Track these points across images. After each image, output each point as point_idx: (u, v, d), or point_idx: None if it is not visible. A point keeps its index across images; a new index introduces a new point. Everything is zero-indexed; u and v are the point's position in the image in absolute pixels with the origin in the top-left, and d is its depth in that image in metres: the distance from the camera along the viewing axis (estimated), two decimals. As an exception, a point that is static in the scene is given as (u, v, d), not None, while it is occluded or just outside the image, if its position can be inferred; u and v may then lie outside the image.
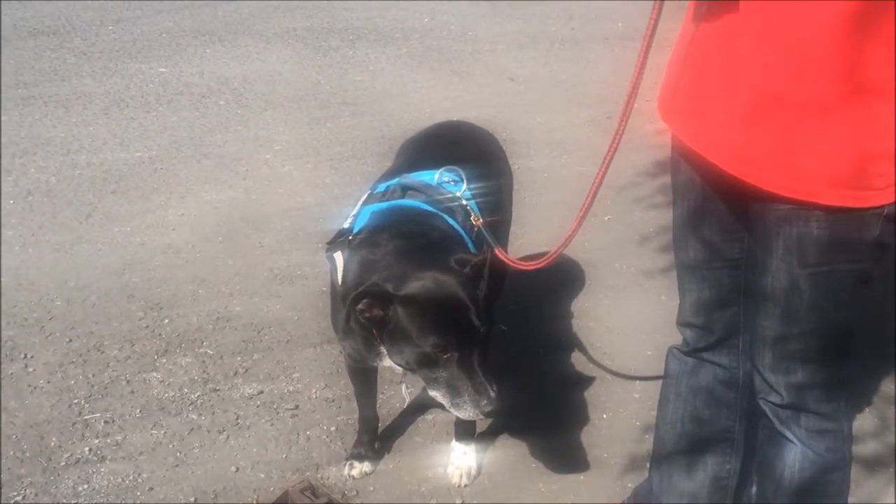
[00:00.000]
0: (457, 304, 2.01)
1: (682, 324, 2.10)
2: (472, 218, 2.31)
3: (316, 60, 6.60)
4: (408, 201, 2.32)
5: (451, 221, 2.29)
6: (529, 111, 5.56)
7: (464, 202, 2.32)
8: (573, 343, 3.24)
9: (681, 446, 2.21)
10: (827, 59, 1.45)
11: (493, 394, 2.03)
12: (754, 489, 2.11)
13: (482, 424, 2.71)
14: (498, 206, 2.63)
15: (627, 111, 1.67)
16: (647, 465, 2.58)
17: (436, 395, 2.09)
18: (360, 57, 6.63)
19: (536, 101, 5.82)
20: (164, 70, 6.27)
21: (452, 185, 2.37)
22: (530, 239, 3.65)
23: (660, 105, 1.83)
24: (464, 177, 2.36)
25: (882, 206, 1.55)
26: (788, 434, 1.90)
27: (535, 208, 4.10)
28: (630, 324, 3.37)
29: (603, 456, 2.71)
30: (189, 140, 5.10)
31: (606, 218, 4.14)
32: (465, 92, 5.95)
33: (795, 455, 1.91)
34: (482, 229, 2.30)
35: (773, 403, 1.90)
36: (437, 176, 2.39)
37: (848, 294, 1.71)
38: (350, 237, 2.22)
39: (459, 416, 2.12)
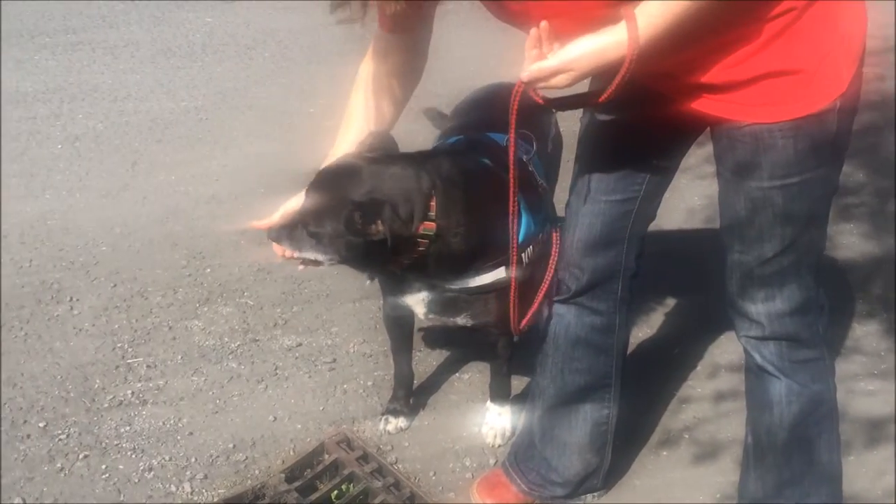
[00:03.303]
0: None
1: (564, 266, 2.07)
2: (538, 186, 2.27)
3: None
4: (472, 155, 2.28)
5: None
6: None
7: (531, 168, 2.29)
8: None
9: (561, 399, 2.22)
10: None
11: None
12: (749, 440, 2.09)
13: (519, 385, 2.72)
14: (550, 175, 2.59)
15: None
16: (685, 435, 2.59)
17: None
18: (406, 12, 6.56)
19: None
20: (210, 20, 6.28)
21: (520, 150, 2.33)
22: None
23: None
24: (534, 142, 2.33)
25: (835, 101, 1.59)
26: (771, 368, 1.91)
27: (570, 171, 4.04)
28: (672, 293, 3.34)
29: (637, 421, 2.70)
30: (234, 91, 5.12)
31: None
32: (511, 51, 5.85)
33: (781, 390, 1.92)
34: (544, 200, 2.26)
35: (754, 338, 1.90)
36: (507, 138, 2.36)
37: (819, 204, 1.75)
38: None
39: None
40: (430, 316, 2.30)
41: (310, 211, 2.00)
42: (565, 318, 2.13)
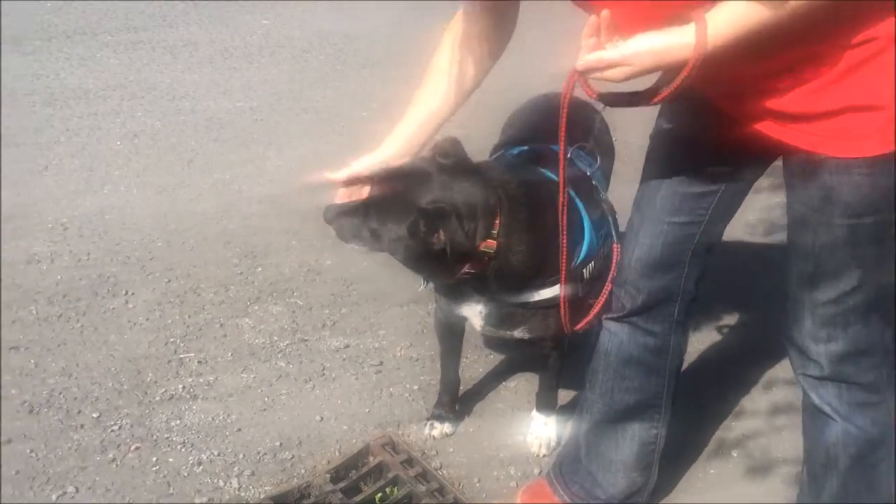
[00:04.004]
0: None
1: (621, 283, 2.03)
2: (602, 201, 2.26)
3: (416, 20, 6.57)
4: (536, 168, 2.27)
5: (575, 199, 2.21)
6: (632, 84, 5.42)
7: (593, 182, 2.28)
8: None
9: (609, 416, 2.19)
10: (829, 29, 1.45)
11: None
12: (804, 475, 2.04)
13: (565, 397, 2.71)
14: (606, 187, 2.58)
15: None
16: (733, 453, 2.55)
17: None
18: (460, 18, 6.59)
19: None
20: (267, 22, 6.37)
21: (583, 164, 2.32)
22: (622, 216, 3.59)
23: None
24: (597, 156, 2.31)
25: None
26: (828, 409, 1.84)
27: (627, 184, 4.01)
28: (727, 306, 3.29)
29: (685, 434, 2.66)
30: (289, 93, 5.19)
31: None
32: (566, 62, 5.84)
33: (837, 433, 1.85)
34: (609, 217, 2.24)
35: (812, 377, 1.84)
36: (570, 151, 2.35)
37: (891, 247, 1.66)
38: None
39: None
40: (487, 328, 2.30)
41: (374, 206, 2.00)
42: (618, 336, 2.10)
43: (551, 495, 2.34)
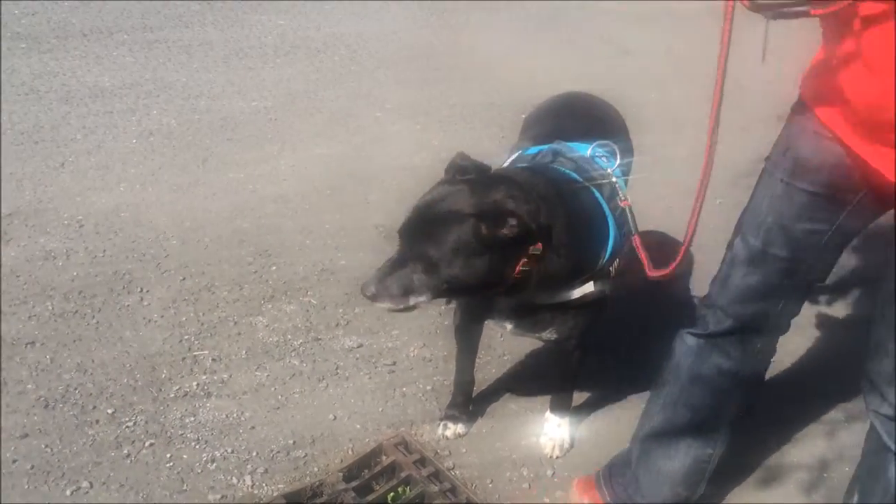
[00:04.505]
0: None
1: (710, 305, 2.01)
2: (619, 198, 2.25)
3: (431, 21, 6.61)
4: (557, 167, 2.27)
5: (597, 195, 2.22)
6: (643, 87, 5.44)
7: (613, 179, 2.27)
8: (677, 324, 3.17)
9: (668, 429, 2.18)
10: None
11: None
12: (856, 498, 2.03)
13: (578, 398, 2.70)
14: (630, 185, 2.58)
15: (716, 100, 1.57)
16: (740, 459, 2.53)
17: None
18: (474, 20, 6.60)
19: (651, 77, 5.69)
20: (282, 22, 6.39)
21: (604, 161, 2.32)
22: (638, 219, 3.58)
23: (809, 93, 1.74)
24: (617, 153, 2.31)
25: None
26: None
27: (643, 187, 4.01)
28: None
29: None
30: (303, 93, 5.20)
31: (718, 202, 4.01)
32: (578, 62, 5.85)
33: None
34: (627, 211, 2.23)
35: (883, 416, 1.83)
36: (590, 149, 2.34)
37: None
38: None
39: None
40: (517, 331, 2.30)
41: (417, 245, 1.92)
42: (693, 351, 2.09)
43: (594, 492, 2.36)
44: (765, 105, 4.57)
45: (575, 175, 2.21)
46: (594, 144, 2.33)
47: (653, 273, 1.95)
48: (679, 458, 2.20)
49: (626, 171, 2.44)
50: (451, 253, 1.89)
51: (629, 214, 2.24)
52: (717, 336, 2.02)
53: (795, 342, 3.10)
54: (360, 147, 4.55)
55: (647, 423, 2.25)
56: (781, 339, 2.07)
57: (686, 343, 2.11)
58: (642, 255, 2.06)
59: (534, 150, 2.41)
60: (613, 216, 2.19)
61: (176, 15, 6.38)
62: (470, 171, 2.01)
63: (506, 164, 2.41)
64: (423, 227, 1.94)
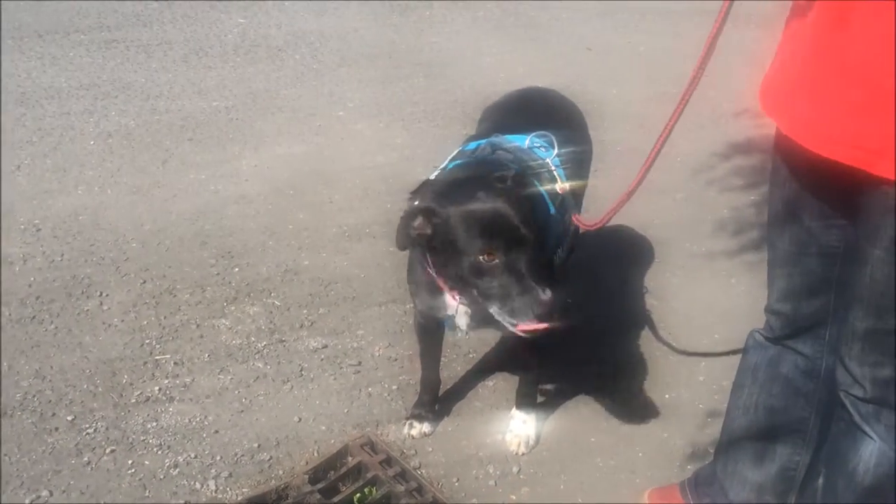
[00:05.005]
0: (499, 211, 1.98)
1: (769, 310, 2.05)
2: (557, 185, 2.30)
3: (392, 19, 6.58)
4: (495, 158, 2.30)
5: (535, 183, 2.27)
6: (605, 82, 5.47)
7: (552, 168, 2.30)
8: (639, 319, 3.21)
9: (751, 434, 2.17)
10: None
11: (543, 295, 1.95)
12: (821, 481, 2.06)
13: (543, 396, 2.71)
14: (579, 175, 2.61)
15: (692, 87, 1.64)
16: (710, 450, 2.56)
17: (493, 310, 2.05)
18: (436, 17, 6.59)
19: (612, 73, 5.72)
20: (242, 21, 6.33)
21: (542, 151, 2.36)
22: (600, 212, 3.61)
23: (763, 97, 1.77)
24: (555, 143, 2.34)
25: None
26: (867, 429, 1.84)
27: (605, 181, 4.04)
28: (697, 305, 3.32)
29: (663, 436, 2.69)
30: (265, 92, 5.16)
31: (679, 196, 4.07)
32: (540, 59, 5.87)
33: (872, 451, 1.85)
34: (564, 195, 2.28)
35: (854, 396, 1.85)
36: (528, 140, 2.38)
37: None
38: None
39: (516, 323, 2.02)
40: (472, 326, 2.31)
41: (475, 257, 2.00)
42: (769, 351, 2.09)
43: (679, 499, 2.34)
44: (723, 102, 4.64)
45: (512, 165, 2.24)
46: (531, 135, 2.37)
47: (585, 226, 2.12)
48: (766, 466, 2.16)
49: (574, 161, 2.48)
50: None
51: (566, 200, 2.31)
52: (786, 338, 2.04)
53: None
54: (322, 146, 4.52)
55: (730, 431, 2.23)
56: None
57: (759, 343, 2.11)
58: (576, 218, 2.19)
59: (472, 145, 2.43)
60: (553, 202, 2.23)
61: (134, 14, 6.29)
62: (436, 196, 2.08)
63: (445, 162, 2.42)
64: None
